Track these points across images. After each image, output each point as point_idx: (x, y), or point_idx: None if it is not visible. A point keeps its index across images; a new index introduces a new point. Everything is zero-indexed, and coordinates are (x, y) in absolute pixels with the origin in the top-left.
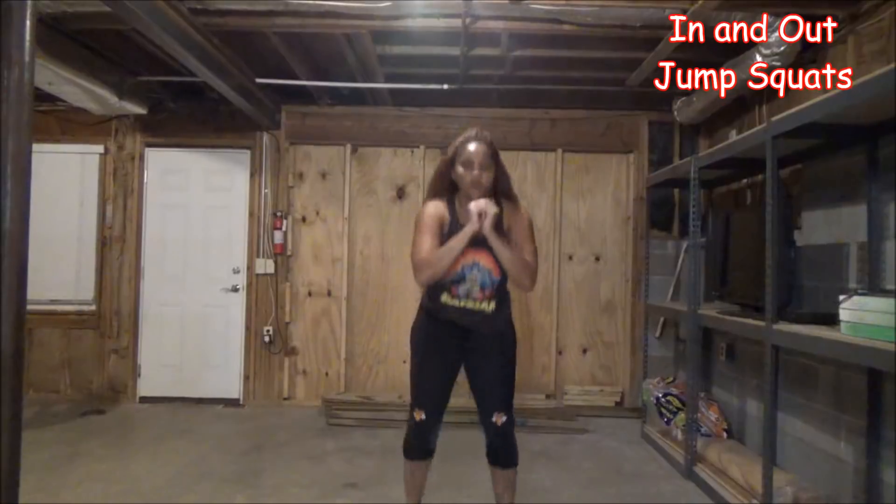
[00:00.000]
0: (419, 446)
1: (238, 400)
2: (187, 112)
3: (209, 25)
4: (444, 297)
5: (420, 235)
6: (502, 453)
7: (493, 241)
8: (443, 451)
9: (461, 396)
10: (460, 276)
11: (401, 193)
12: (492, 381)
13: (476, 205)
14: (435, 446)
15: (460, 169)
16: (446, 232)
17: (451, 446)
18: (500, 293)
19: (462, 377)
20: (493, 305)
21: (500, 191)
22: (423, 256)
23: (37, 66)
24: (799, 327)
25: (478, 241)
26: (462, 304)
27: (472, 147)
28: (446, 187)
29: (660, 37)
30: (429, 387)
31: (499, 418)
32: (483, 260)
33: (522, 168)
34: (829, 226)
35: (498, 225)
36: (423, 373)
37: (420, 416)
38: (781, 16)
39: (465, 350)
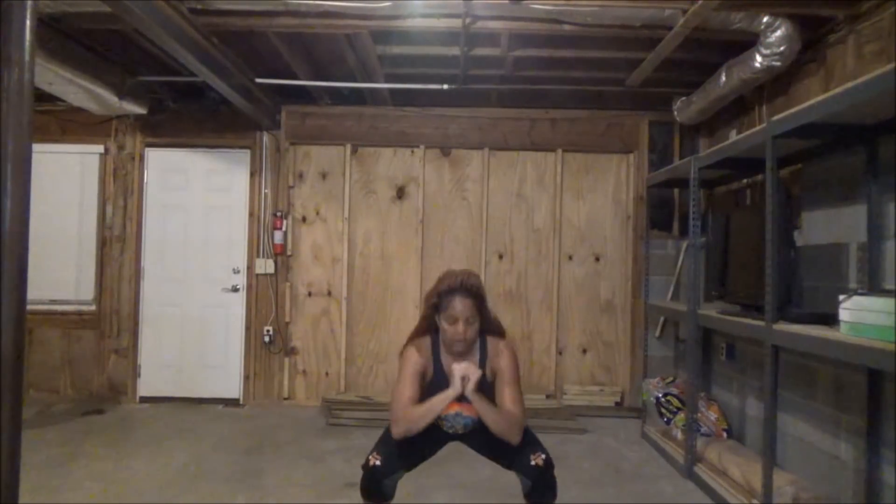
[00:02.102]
0: (371, 491)
1: (238, 400)
2: (187, 112)
3: (209, 25)
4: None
5: (401, 383)
6: (547, 492)
7: (477, 403)
8: (442, 451)
9: None
10: (443, 420)
11: (401, 193)
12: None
13: (458, 368)
14: (393, 493)
15: (444, 324)
16: (429, 382)
17: (449, 447)
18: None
19: None
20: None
21: (486, 329)
22: (402, 413)
23: (37, 66)
24: (799, 327)
25: (458, 396)
26: (446, 428)
27: (456, 304)
28: (433, 325)
29: (660, 37)
30: (396, 447)
31: (538, 459)
32: (465, 410)
33: (522, 168)
34: (829, 226)
35: (482, 378)
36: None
37: (375, 461)
38: (781, 16)
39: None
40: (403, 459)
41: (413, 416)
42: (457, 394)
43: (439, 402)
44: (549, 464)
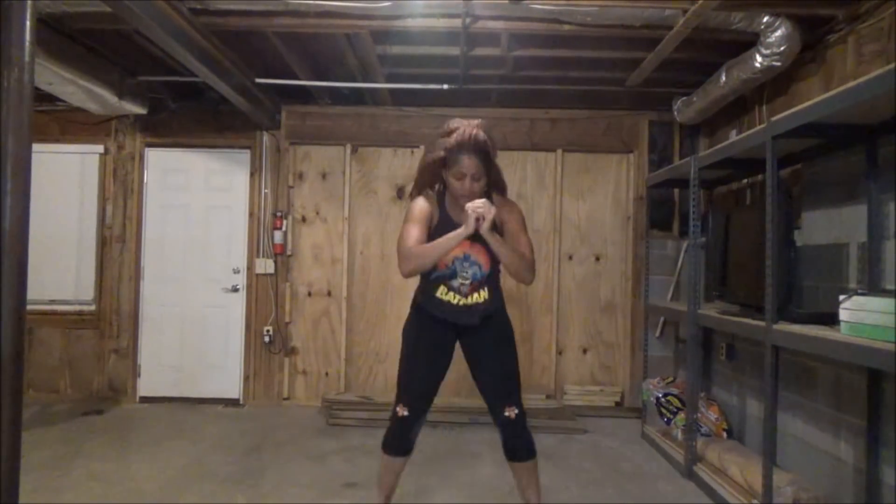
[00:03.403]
0: (399, 443)
1: (238, 400)
2: (187, 112)
3: (209, 25)
4: (439, 292)
5: (408, 226)
6: (520, 446)
7: (492, 241)
8: (442, 451)
9: (457, 396)
10: (451, 270)
11: (401, 193)
12: (495, 374)
13: (473, 207)
14: (413, 445)
15: (451, 178)
16: (434, 226)
17: (450, 446)
18: (490, 283)
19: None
20: (483, 295)
21: (493, 185)
22: (411, 247)
23: (37, 66)
24: (799, 327)
25: (472, 235)
26: (455, 300)
27: (464, 159)
28: (436, 180)
29: (660, 37)
30: (415, 384)
31: (511, 412)
32: (474, 253)
33: (522, 168)
34: (829, 226)
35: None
36: (410, 369)
37: (403, 412)
38: (781, 16)
39: (462, 343)
40: (425, 396)
41: (422, 251)
42: (470, 232)
43: (451, 239)
44: (520, 418)
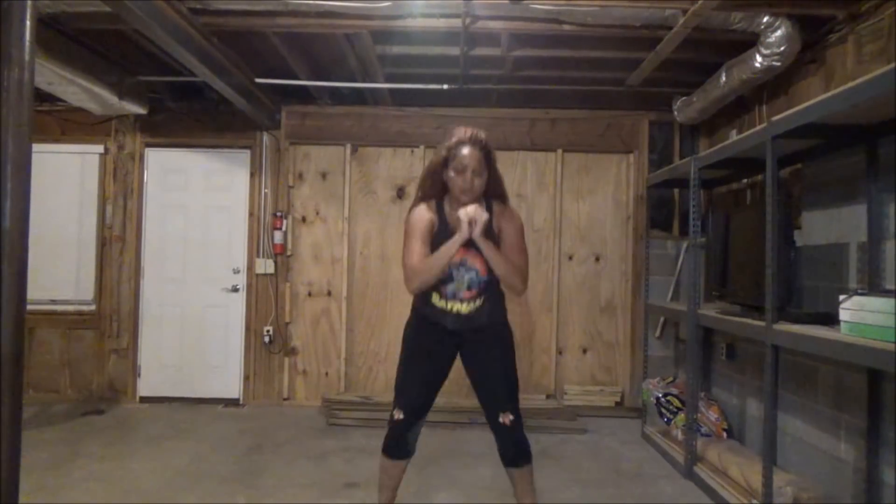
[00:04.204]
0: (396, 446)
1: (238, 400)
2: (187, 112)
3: (209, 25)
4: (434, 299)
5: (410, 242)
6: (515, 453)
7: (484, 246)
8: (442, 451)
9: (457, 396)
10: (448, 276)
11: (401, 193)
12: (492, 379)
13: (465, 212)
14: (413, 448)
15: (452, 173)
16: (435, 234)
17: (450, 446)
18: (489, 292)
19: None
20: (479, 303)
21: (492, 192)
22: (414, 265)
23: (37, 66)
24: (799, 327)
25: (467, 242)
26: (450, 306)
27: (465, 151)
28: (437, 188)
29: (660, 37)
30: (410, 389)
31: (505, 418)
32: (471, 259)
33: (522, 168)
34: (829, 226)
35: (488, 228)
36: (407, 374)
37: (398, 415)
38: (781, 16)
39: (458, 353)
40: (422, 400)
41: (425, 266)
42: (465, 238)
43: (449, 248)
44: (516, 424)
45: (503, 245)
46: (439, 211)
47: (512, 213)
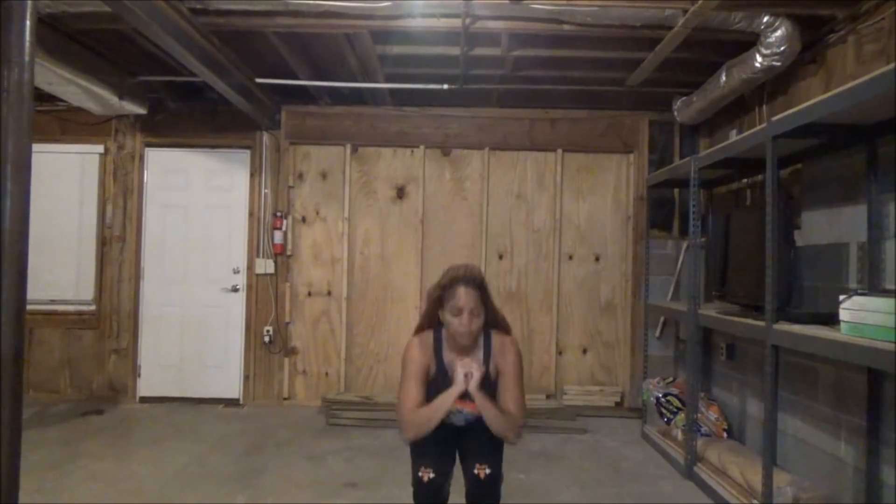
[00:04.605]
0: (434, 501)
1: (238, 400)
2: (187, 112)
3: (209, 25)
4: None
5: (405, 384)
6: None
7: (479, 401)
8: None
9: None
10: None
11: (401, 193)
12: (476, 439)
13: (461, 366)
14: (448, 495)
15: (448, 315)
16: (432, 378)
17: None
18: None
19: None
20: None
21: (491, 325)
22: (409, 416)
23: (37, 66)
24: (799, 327)
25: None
26: (448, 420)
27: (461, 293)
28: (436, 319)
29: (660, 37)
30: (430, 447)
31: (481, 470)
32: (467, 408)
33: (522, 168)
34: (829, 226)
35: (485, 375)
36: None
37: (428, 475)
38: (781, 16)
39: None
40: (447, 456)
41: (420, 420)
42: (460, 391)
43: (444, 402)
44: (491, 479)
45: (501, 379)
46: (436, 349)
47: (511, 347)
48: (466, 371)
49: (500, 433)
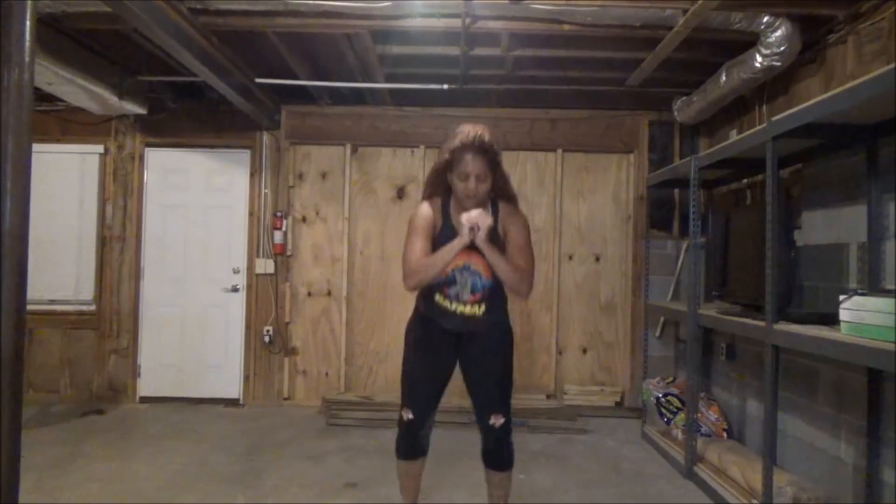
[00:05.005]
0: (409, 445)
1: (238, 400)
2: (187, 112)
3: (209, 25)
4: (437, 298)
5: (410, 239)
6: (498, 456)
7: (487, 252)
8: (441, 452)
9: (459, 396)
10: (451, 278)
11: (401, 193)
12: (486, 381)
13: (467, 217)
14: (427, 445)
15: (456, 179)
16: (437, 234)
17: (450, 446)
18: (492, 296)
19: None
20: (482, 308)
21: (499, 193)
22: (412, 264)
23: (37, 66)
24: (799, 327)
25: (471, 244)
26: (452, 307)
27: (469, 158)
28: (443, 187)
29: (660, 37)
30: (418, 387)
31: (496, 420)
32: (474, 263)
33: (522, 168)
34: (829, 226)
35: (493, 232)
36: (414, 373)
37: (408, 415)
38: (781, 16)
39: (458, 352)
40: (429, 398)
41: (423, 266)
42: (465, 243)
43: (448, 251)
44: (505, 428)
45: (509, 247)
46: (444, 210)
47: (519, 215)
48: (472, 223)
49: (512, 284)
